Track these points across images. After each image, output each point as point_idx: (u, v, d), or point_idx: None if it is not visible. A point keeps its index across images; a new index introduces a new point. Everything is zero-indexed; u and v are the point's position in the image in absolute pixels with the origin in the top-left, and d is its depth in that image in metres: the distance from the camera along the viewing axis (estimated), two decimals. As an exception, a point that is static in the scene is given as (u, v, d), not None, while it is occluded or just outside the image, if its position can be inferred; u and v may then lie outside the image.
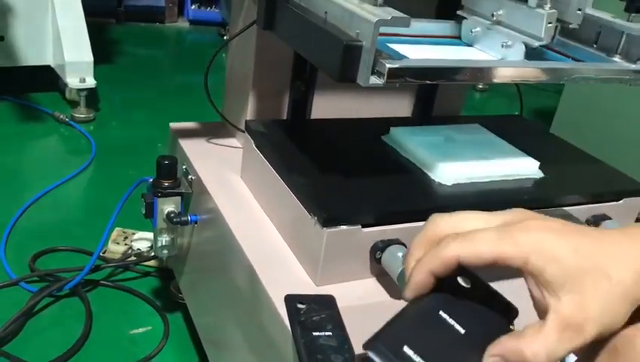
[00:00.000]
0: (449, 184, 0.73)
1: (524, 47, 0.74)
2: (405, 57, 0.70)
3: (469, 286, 0.44)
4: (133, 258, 1.17)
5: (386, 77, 0.59)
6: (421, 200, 0.71)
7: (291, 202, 0.69)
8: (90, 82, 1.75)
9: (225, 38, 2.60)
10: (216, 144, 0.95)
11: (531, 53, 0.75)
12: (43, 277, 1.11)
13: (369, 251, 0.66)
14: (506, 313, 0.44)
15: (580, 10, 0.72)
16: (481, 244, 0.41)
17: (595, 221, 0.77)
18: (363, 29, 0.59)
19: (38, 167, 1.57)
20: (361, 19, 0.59)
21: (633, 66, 0.76)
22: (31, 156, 1.62)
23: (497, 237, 0.41)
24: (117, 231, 1.21)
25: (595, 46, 0.82)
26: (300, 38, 0.69)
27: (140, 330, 1.04)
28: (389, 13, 0.59)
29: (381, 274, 0.67)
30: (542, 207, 0.75)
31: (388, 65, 0.59)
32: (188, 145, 0.94)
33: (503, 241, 0.40)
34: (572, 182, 0.80)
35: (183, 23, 2.84)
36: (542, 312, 0.40)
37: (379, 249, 0.65)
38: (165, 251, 0.93)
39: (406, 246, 0.66)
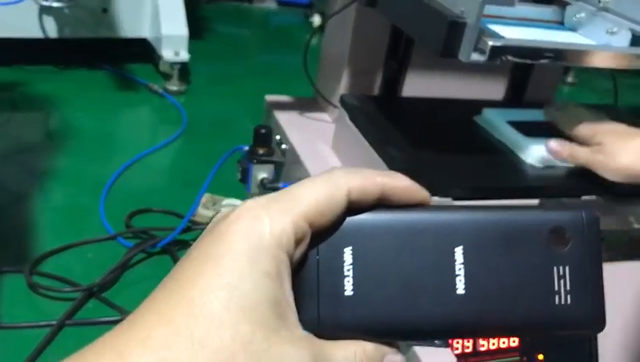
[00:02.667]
0: (540, 166, 0.74)
1: (630, 34, 0.74)
2: (505, 37, 0.71)
3: None
4: (220, 223, 1.23)
5: (488, 54, 0.61)
6: (512, 179, 0.73)
7: (384, 173, 0.72)
8: (184, 56, 1.83)
9: (310, 20, 2.64)
10: (309, 117, 0.99)
11: (637, 42, 0.74)
12: (138, 234, 1.19)
13: (458, 224, 0.68)
14: None
15: None
16: None
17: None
18: (468, 6, 0.61)
19: (133, 134, 1.67)
20: None
21: None
22: (126, 123, 1.72)
23: None
24: (206, 196, 1.28)
25: None
26: (403, 14, 0.72)
27: (226, 290, 1.09)
28: None
29: (467, 248, 0.69)
30: (634, 195, 0.75)
31: (490, 43, 0.61)
32: (282, 117, 0.98)
33: None
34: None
35: (270, 4, 2.90)
36: None
37: (468, 222, 0.68)
38: (255, 215, 0.98)
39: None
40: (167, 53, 1.82)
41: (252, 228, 0.26)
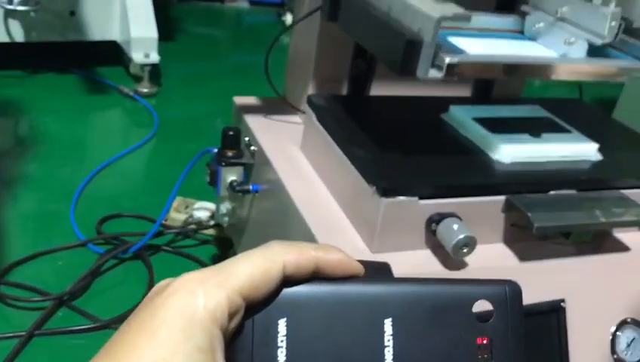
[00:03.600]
0: (507, 162, 0.74)
1: (587, 44, 0.75)
2: (464, 51, 0.72)
3: None
4: (193, 226, 1.22)
5: (445, 71, 0.62)
6: (479, 176, 0.73)
7: (351, 173, 0.72)
8: (154, 58, 1.81)
9: (283, 19, 2.63)
10: (278, 118, 0.98)
11: (593, 52, 0.75)
12: (109, 240, 1.17)
13: (425, 223, 0.68)
14: None
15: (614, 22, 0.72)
16: None
17: (654, 205, 0.77)
18: (425, 24, 0.62)
19: (104, 138, 1.65)
20: (423, 15, 0.62)
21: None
22: (97, 127, 1.70)
23: None
24: (178, 200, 1.27)
25: None
26: (363, 31, 0.72)
27: (199, 294, 1.08)
28: (450, 9, 0.61)
29: (435, 246, 0.69)
30: (599, 188, 0.75)
31: (447, 60, 0.62)
32: (250, 118, 0.97)
33: None
34: (631, 166, 0.80)
35: (242, 3, 2.88)
36: None
37: (434, 221, 0.68)
38: (226, 218, 0.97)
39: (462, 220, 0.68)
40: (138, 56, 1.81)
41: (187, 302, 0.27)
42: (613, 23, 0.71)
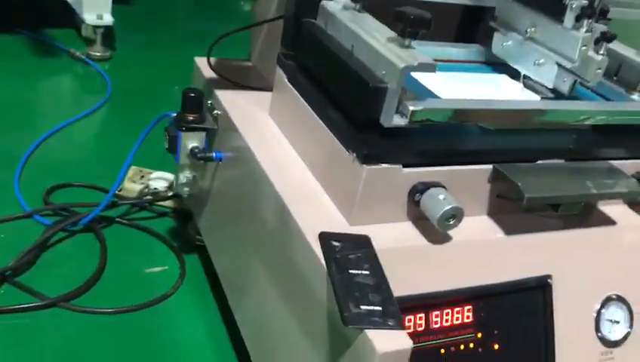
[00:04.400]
0: (492, 128, 0.69)
1: (556, 67, 0.73)
2: (430, 93, 0.70)
3: None
4: (149, 197, 1.14)
5: (409, 118, 0.60)
6: (463, 143, 0.67)
7: (327, 138, 0.66)
8: (108, 19, 1.70)
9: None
10: (244, 81, 0.91)
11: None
12: (57, 211, 1.08)
13: (407, 192, 0.63)
14: None
15: (599, 69, 0.71)
16: None
17: (640, 177, 0.74)
18: (389, 71, 0.60)
19: (53, 103, 1.54)
20: (388, 62, 0.60)
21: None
22: (46, 92, 1.59)
23: None
24: (133, 169, 1.18)
25: (615, 78, 0.83)
26: (325, 68, 0.70)
27: (156, 269, 1.01)
28: (415, 58, 0.60)
29: (417, 218, 0.64)
30: (586, 158, 0.71)
31: (411, 108, 0.60)
32: (214, 80, 0.90)
33: None
34: (618, 137, 0.76)
35: (201, -32, 2.76)
36: None
37: (418, 191, 0.62)
38: (186, 188, 0.90)
39: (446, 190, 0.62)
40: (90, 17, 1.70)
41: None
42: (584, 48, 0.70)
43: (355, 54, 0.66)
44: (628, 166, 0.74)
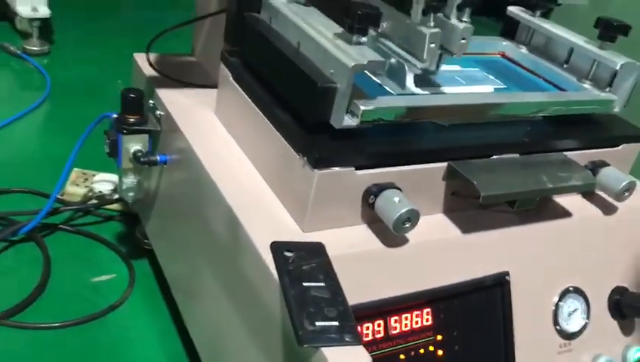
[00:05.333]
0: (446, 125, 0.67)
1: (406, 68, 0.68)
2: (381, 90, 0.67)
3: None
4: (94, 201, 1.09)
5: (360, 118, 0.58)
6: (417, 141, 0.65)
7: (276, 141, 0.63)
8: (44, 12, 1.62)
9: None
10: (187, 78, 0.87)
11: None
12: (-5, 221, 1.03)
13: (361, 196, 0.61)
14: None
15: (464, 39, 0.64)
16: None
17: (594, 167, 0.74)
18: (338, 71, 0.57)
19: (-13, 103, 1.46)
20: (337, 61, 0.57)
21: (603, 95, 0.75)
22: (-21, 90, 1.51)
23: None
24: (76, 172, 1.13)
25: (565, 66, 0.82)
26: (269, 67, 0.67)
27: (104, 278, 0.97)
28: (364, 56, 0.57)
29: (373, 221, 0.62)
30: (540, 151, 0.70)
31: (362, 108, 0.58)
32: (155, 78, 0.86)
33: None
34: (571, 127, 0.76)
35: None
36: None
37: (373, 193, 0.60)
38: (131, 193, 0.86)
39: (401, 191, 0.60)
40: (24, 9, 1.62)
41: None
42: (433, 45, 0.63)
43: (302, 51, 0.63)
44: (581, 156, 0.73)
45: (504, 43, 0.90)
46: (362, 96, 0.59)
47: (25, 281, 0.92)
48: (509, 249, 0.68)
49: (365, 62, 0.56)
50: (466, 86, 0.77)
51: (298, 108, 0.62)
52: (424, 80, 0.71)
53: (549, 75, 0.82)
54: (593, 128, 0.77)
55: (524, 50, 0.88)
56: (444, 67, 0.71)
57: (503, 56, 0.90)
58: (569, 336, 0.73)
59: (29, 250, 0.99)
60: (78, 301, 0.91)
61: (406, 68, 0.66)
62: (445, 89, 0.73)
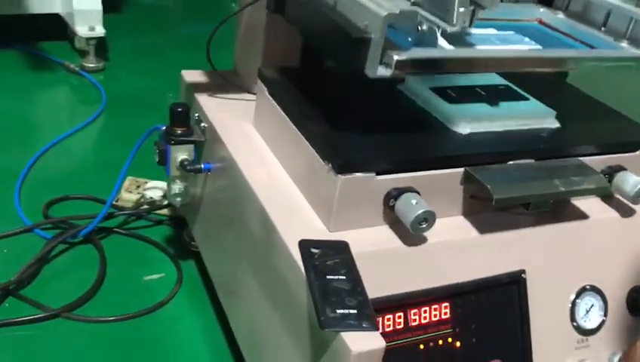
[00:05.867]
0: (464, 133, 0.72)
1: (438, 31, 0.70)
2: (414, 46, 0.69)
3: None
4: (146, 206, 1.18)
5: (393, 68, 0.60)
6: (436, 148, 0.71)
7: (305, 149, 0.69)
8: (100, 31, 1.73)
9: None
10: (229, 92, 0.94)
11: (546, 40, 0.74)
12: (57, 225, 1.12)
13: (382, 199, 0.66)
14: None
15: None
16: None
17: (611, 172, 0.77)
18: (372, 21, 0.60)
19: (50, 117, 1.57)
20: (370, 12, 0.60)
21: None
22: (42, 105, 1.62)
23: None
24: (129, 180, 1.22)
25: (603, 29, 0.83)
26: (309, 25, 0.70)
27: (154, 277, 1.05)
28: (397, 6, 0.59)
29: (394, 222, 0.67)
30: (557, 156, 0.74)
31: (395, 57, 0.60)
32: (200, 93, 0.93)
33: None
34: (588, 132, 0.80)
35: (191, -28, 2.79)
36: None
37: (392, 197, 0.65)
38: (179, 199, 0.93)
39: (419, 194, 0.66)
40: (82, 29, 1.73)
41: None
42: (462, 9, 0.66)
43: (338, 8, 0.66)
44: (597, 162, 0.77)
45: (541, 9, 0.91)
46: (396, 49, 0.61)
47: (84, 279, 1.01)
48: (525, 249, 0.72)
49: (397, 12, 0.59)
50: (501, 45, 0.78)
51: (335, 60, 0.65)
52: (458, 40, 0.73)
53: (586, 38, 0.82)
54: (610, 134, 0.80)
55: (561, 15, 0.89)
56: (479, 30, 0.74)
57: (540, 22, 0.90)
58: (586, 333, 0.76)
59: (87, 252, 1.08)
60: (131, 297, 1.00)
61: (437, 32, 0.69)
62: (479, 47, 0.76)
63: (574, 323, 0.75)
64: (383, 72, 0.60)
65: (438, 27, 0.68)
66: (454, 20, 0.66)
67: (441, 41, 0.70)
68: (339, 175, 0.63)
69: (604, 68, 0.74)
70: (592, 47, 0.82)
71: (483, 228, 0.71)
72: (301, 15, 0.72)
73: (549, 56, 0.72)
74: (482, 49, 0.75)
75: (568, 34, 0.86)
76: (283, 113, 0.75)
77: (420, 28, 0.69)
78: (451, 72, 0.67)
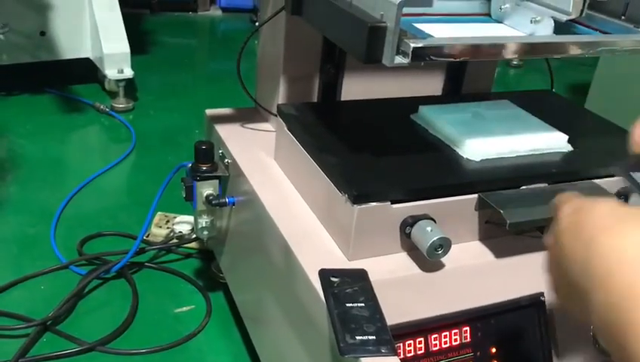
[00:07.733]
0: (477, 160, 0.74)
1: (552, 22, 0.75)
2: (430, 36, 0.71)
3: None
4: (175, 240, 1.22)
5: (410, 56, 0.61)
6: (449, 176, 0.73)
7: (323, 181, 0.72)
8: (128, 73, 1.80)
9: (256, 23, 2.62)
10: (250, 128, 0.98)
11: (560, 29, 0.75)
12: (91, 261, 1.16)
13: (399, 226, 0.69)
14: None
15: None
16: None
17: (625, 193, 0.78)
18: (386, 10, 0.61)
19: (82, 157, 1.63)
20: (384, 1, 0.61)
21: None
22: (74, 146, 1.69)
23: None
24: (159, 215, 1.26)
25: (623, 18, 0.83)
26: (326, 22, 0.72)
27: (184, 309, 1.08)
28: None
29: (411, 249, 0.70)
30: (570, 180, 0.76)
31: (412, 45, 0.60)
32: (223, 130, 0.97)
33: None
34: (601, 155, 0.81)
35: (215, 12, 2.87)
36: None
37: (408, 224, 0.68)
38: (206, 232, 0.97)
39: (435, 221, 0.68)
40: (111, 72, 1.79)
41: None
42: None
43: (353, 2, 0.67)
44: (611, 183, 0.78)
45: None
46: (412, 37, 0.62)
47: (117, 313, 1.05)
48: (542, 271, 0.73)
49: None
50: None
51: (353, 53, 0.65)
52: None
53: (606, 27, 0.82)
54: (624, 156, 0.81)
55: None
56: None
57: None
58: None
59: (120, 286, 1.12)
60: (163, 329, 1.03)
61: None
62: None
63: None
64: (400, 60, 0.61)
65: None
66: (570, 9, 0.70)
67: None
68: (355, 205, 0.66)
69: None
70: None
71: (499, 252, 0.72)
72: (319, 13, 0.73)
73: (576, 41, 0.71)
74: (501, 35, 0.76)
75: (587, 24, 0.84)
76: (301, 147, 0.78)
77: (533, 20, 0.74)
78: (467, 60, 0.66)
